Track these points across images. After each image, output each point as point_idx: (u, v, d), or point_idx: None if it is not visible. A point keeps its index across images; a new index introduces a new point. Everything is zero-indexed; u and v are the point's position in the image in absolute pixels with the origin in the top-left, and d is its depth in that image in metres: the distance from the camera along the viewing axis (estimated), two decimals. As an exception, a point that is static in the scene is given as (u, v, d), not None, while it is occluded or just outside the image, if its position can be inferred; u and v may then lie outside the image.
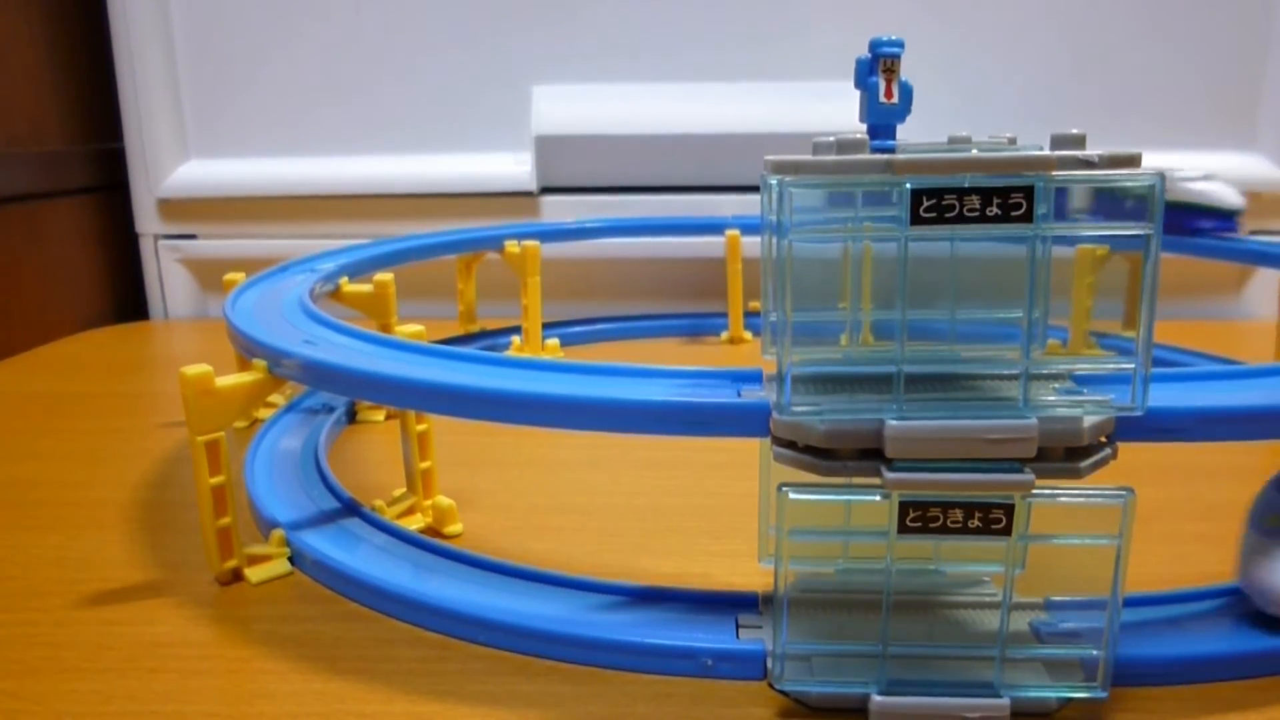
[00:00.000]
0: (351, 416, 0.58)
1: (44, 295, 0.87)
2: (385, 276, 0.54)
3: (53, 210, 0.89)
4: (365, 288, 0.54)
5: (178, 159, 0.93)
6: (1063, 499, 0.28)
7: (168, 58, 0.90)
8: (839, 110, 0.87)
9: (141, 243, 0.95)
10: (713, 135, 0.85)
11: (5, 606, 0.38)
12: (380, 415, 0.59)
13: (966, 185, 0.26)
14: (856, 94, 0.30)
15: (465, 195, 0.89)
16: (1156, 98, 0.89)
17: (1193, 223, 0.65)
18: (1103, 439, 0.29)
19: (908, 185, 0.26)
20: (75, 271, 0.92)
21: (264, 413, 0.56)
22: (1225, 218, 0.64)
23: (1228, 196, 0.65)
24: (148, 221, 0.94)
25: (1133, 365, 0.27)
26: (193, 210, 0.93)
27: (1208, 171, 0.66)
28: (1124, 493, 0.28)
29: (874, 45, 0.30)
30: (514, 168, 0.90)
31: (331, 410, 0.56)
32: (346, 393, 0.37)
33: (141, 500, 0.48)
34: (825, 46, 0.87)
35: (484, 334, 0.74)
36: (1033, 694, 0.29)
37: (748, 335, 0.81)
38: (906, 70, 0.77)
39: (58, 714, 0.31)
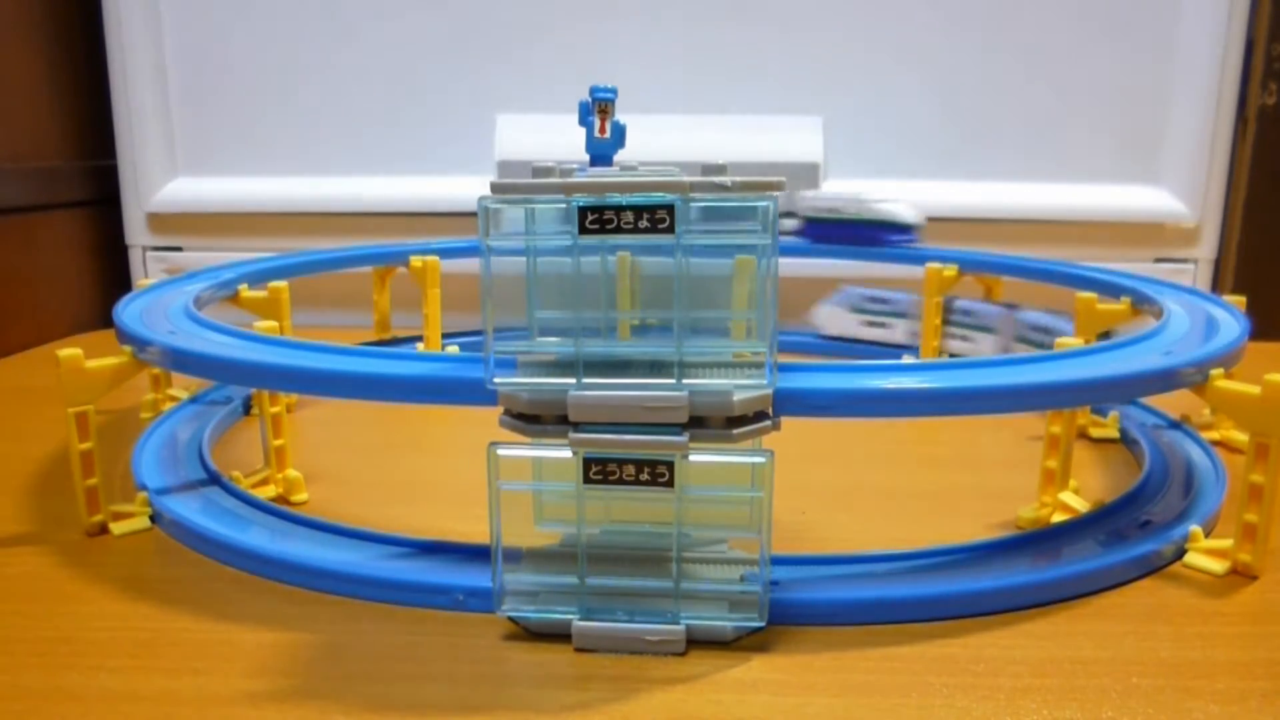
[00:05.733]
0: (247, 409, 0.65)
1: (39, 300, 0.94)
2: (279, 284, 0.61)
3: (49, 221, 0.96)
4: (261, 294, 0.62)
5: (167, 176, 1.00)
6: (716, 459, 0.35)
7: (159, 83, 0.98)
8: (795, 141, 0.95)
9: (131, 254, 1.02)
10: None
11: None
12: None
13: (623, 204, 0.33)
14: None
15: (433, 214, 0.96)
16: (1068, 134, 0.95)
17: (880, 235, 0.78)
18: (762, 411, 0.35)
19: (575, 203, 0.33)
20: (69, 279, 0.99)
21: (166, 405, 0.63)
22: (905, 230, 0.78)
23: (906, 213, 0.78)
24: (137, 234, 1.01)
25: (764, 351, 0.34)
26: (179, 224, 1.01)
27: (891, 195, 0.80)
28: (765, 455, 0.35)
29: (592, 91, 0.37)
30: (479, 189, 0.98)
31: (230, 402, 0.64)
32: (193, 373, 0.44)
33: (48, 469, 0.55)
34: (782, 82, 0.95)
35: (393, 340, 0.81)
36: (704, 622, 0.36)
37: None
38: (844, 110, 0.86)
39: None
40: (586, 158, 0.38)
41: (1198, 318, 0.51)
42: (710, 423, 0.34)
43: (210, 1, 0.97)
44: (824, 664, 0.35)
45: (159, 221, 1.01)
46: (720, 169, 0.33)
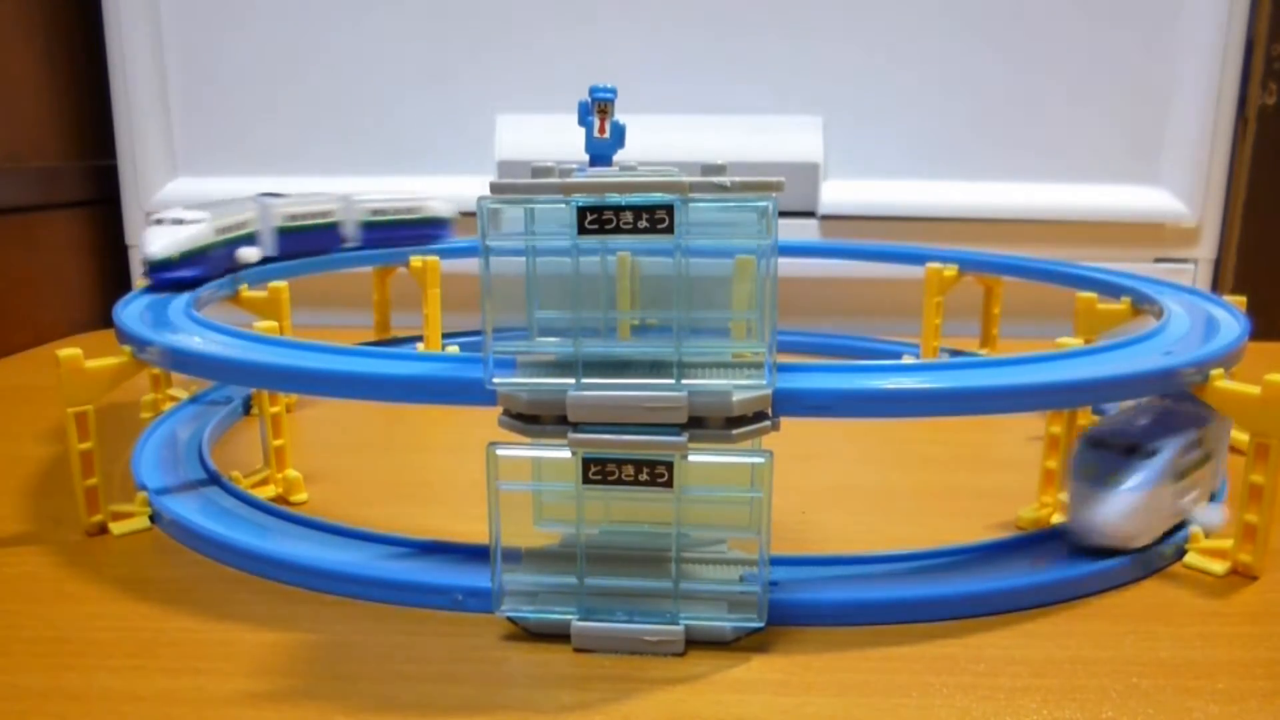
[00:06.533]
0: (247, 409, 0.65)
1: (39, 300, 0.94)
2: (279, 284, 0.61)
3: (49, 221, 0.96)
4: (261, 294, 0.61)
5: (166, 176, 1.00)
6: (715, 459, 0.35)
7: (159, 83, 0.98)
8: (795, 141, 0.95)
9: (131, 254, 1.02)
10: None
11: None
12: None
13: (622, 204, 0.33)
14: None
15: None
16: (1068, 134, 0.95)
17: (427, 233, 0.79)
18: (761, 412, 0.35)
19: (575, 203, 0.33)
20: (68, 279, 0.99)
21: (166, 405, 0.63)
22: (443, 225, 0.80)
23: (443, 208, 0.80)
24: (137, 234, 1.01)
25: (764, 352, 0.34)
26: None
27: (426, 192, 0.81)
28: (764, 456, 0.35)
29: (592, 91, 0.37)
30: (479, 190, 0.97)
31: (230, 401, 0.64)
32: (193, 373, 0.44)
33: (48, 469, 0.55)
34: (782, 82, 0.95)
35: (393, 340, 0.81)
36: (704, 623, 0.36)
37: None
38: (844, 110, 0.86)
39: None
40: (586, 158, 0.38)
41: (1198, 318, 0.51)
42: (709, 423, 0.34)
43: (210, 2, 0.97)
44: (823, 664, 0.35)
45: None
46: (720, 169, 0.33)
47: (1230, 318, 0.51)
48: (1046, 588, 0.39)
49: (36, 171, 0.94)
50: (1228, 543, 0.42)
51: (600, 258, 0.35)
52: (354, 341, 0.48)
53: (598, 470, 0.35)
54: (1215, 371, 0.41)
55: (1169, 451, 0.41)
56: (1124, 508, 0.40)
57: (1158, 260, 0.98)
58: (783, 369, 0.36)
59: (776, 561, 0.40)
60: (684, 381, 0.34)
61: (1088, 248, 0.94)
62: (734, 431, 0.34)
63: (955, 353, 0.77)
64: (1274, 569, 0.42)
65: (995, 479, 0.55)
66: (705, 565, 0.38)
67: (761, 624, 0.36)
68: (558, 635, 0.36)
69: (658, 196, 0.33)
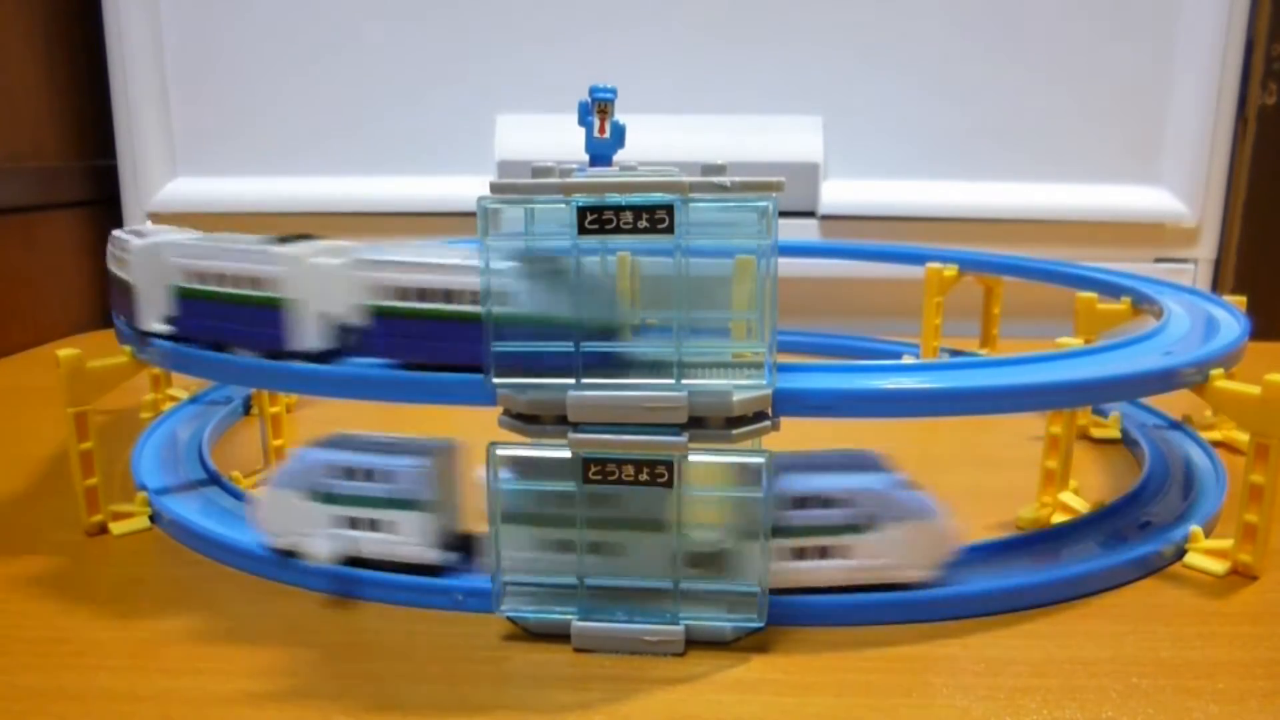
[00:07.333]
0: (247, 409, 0.65)
1: (40, 300, 0.94)
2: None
3: (49, 221, 0.96)
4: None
5: (166, 176, 1.00)
6: (715, 459, 0.35)
7: (160, 83, 0.98)
8: (795, 141, 0.95)
9: (130, 253, 1.03)
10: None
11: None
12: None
13: (622, 204, 0.33)
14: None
15: (433, 214, 0.96)
16: (1068, 134, 0.95)
17: None
18: (762, 412, 0.35)
19: (575, 203, 0.33)
20: (69, 279, 0.99)
21: (166, 405, 0.63)
22: None
23: None
24: (137, 234, 1.02)
25: (764, 352, 0.34)
26: (179, 224, 1.01)
27: None
28: (764, 455, 0.35)
29: (592, 91, 0.37)
30: (479, 190, 0.97)
31: (230, 402, 0.64)
32: (193, 373, 0.44)
33: (48, 469, 0.55)
34: (782, 82, 0.95)
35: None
36: (704, 623, 0.36)
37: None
38: (844, 110, 0.85)
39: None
40: (586, 158, 0.38)
41: (1198, 318, 0.51)
42: (710, 423, 0.34)
43: (210, 2, 0.97)
44: (824, 664, 0.35)
45: (159, 221, 1.00)
46: (720, 169, 0.33)
47: (1230, 318, 0.51)
48: (1046, 587, 0.39)
49: (36, 171, 0.94)
50: (1228, 543, 0.42)
51: (600, 258, 0.34)
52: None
53: (598, 470, 0.35)
54: (1215, 371, 0.41)
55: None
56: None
57: (1158, 260, 0.98)
58: (783, 369, 0.36)
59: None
60: (684, 381, 0.34)
61: (1088, 248, 0.94)
62: (734, 431, 0.34)
63: (955, 353, 0.77)
64: (1274, 569, 0.42)
65: (995, 479, 0.55)
66: (705, 565, 0.38)
67: (761, 624, 0.36)
68: (558, 635, 0.36)
69: (658, 196, 0.33)
